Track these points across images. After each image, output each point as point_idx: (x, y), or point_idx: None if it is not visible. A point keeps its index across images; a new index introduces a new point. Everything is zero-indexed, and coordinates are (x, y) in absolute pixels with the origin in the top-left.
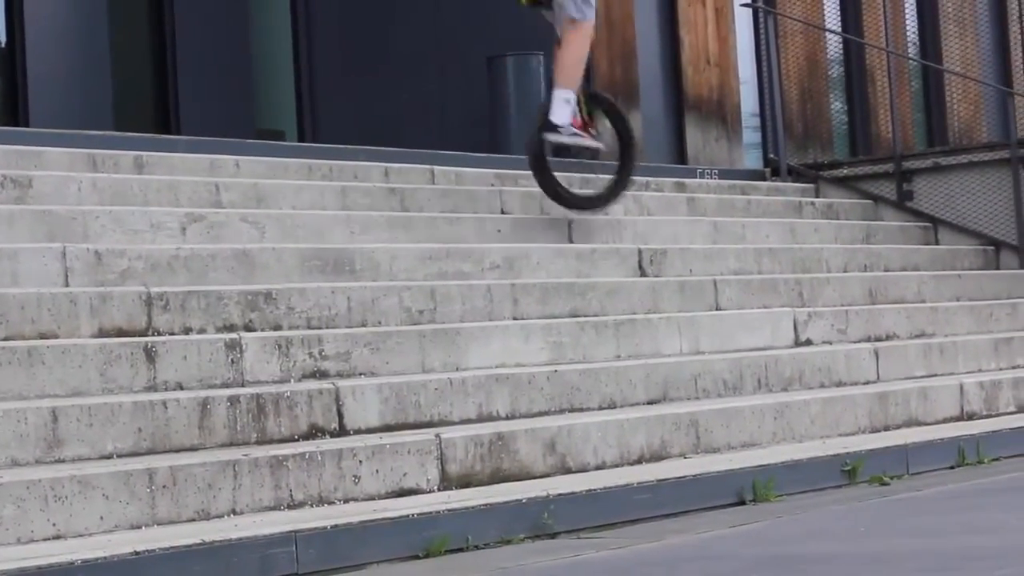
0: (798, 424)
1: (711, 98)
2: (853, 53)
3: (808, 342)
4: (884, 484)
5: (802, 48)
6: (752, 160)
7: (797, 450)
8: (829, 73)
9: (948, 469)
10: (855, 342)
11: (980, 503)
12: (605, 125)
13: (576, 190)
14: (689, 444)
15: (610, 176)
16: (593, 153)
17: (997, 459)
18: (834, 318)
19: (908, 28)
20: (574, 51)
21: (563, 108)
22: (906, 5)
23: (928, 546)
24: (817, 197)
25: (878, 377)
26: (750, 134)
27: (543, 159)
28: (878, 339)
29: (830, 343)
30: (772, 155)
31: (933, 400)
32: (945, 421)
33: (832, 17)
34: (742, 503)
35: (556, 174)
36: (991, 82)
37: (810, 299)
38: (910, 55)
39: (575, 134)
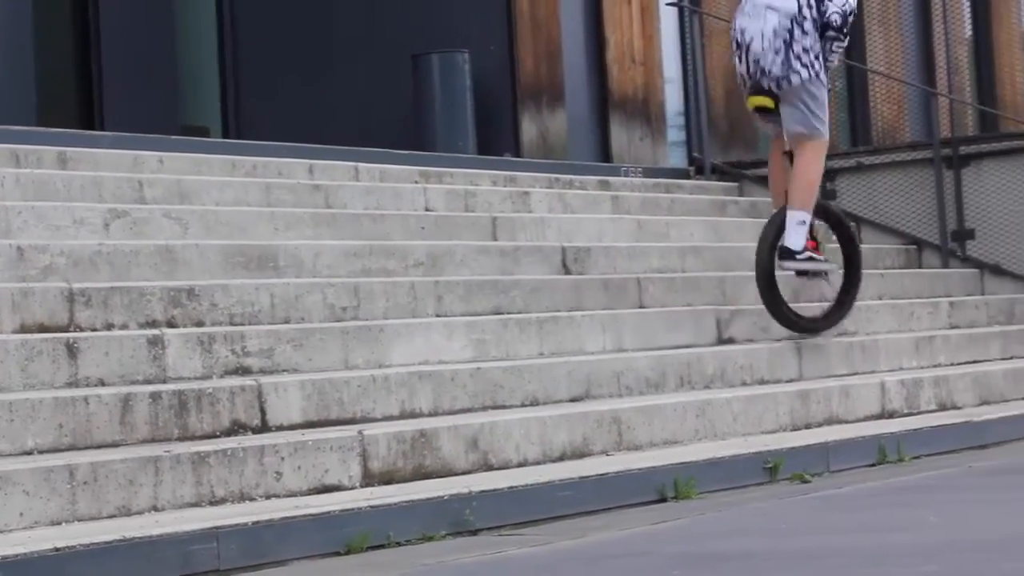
0: (720, 422)
1: (636, 97)
2: None
3: (731, 340)
4: (805, 482)
5: (727, 47)
6: (676, 159)
7: (719, 447)
8: None
9: (869, 467)
10: (777, 340)
11: (900, 501)
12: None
13: (805, 313)
14: (611, 441)
15: (835, 294)
16: (825, 276)
17: (918, 457)
18: (757, 316)
19: None
20: (809, 170)
21: (799, 232)
22: None
23: (849, 543)
24: (741, 196)
25: (800, 375)
26: (675, 133)
27: (774, 281)
28: (800, 337)
29: (753, 341)
30: (696, 154)
31: (854, 398)
32: (866, 419)
33: None
34: (664, 500)
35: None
36: (915, 82)
37: (733, 297)
38: None
39: (810, 258)
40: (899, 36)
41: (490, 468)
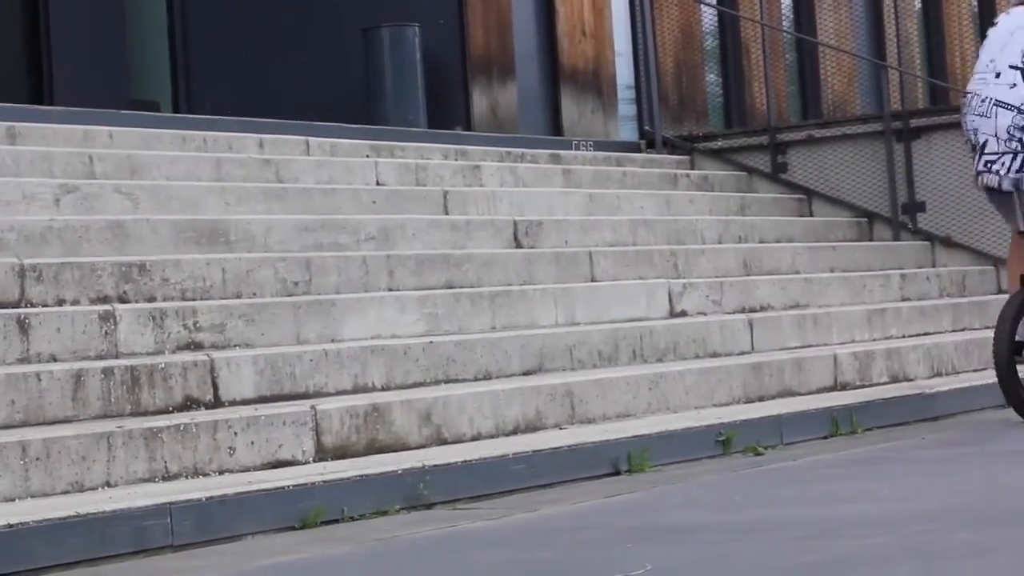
0: (673, 395)
1: (587, 70)
2: (728, 25)
3: (683, 313)
4: (758, 454)
5: (677, 20)
6: (627, 132)
7: (672, 420)
8: (704, 45)
9: (822, 439)
10: (729, 313)
11: (853, 473)
12: None
13: None
14: (564, 415)
15: None
16: None
17: (870, 429)
18: (709, 289)
19: (783, 1)
20: None
21: None
22: None
23: (801, 515)
24: (692, 169)
25: (752, 348)
26: (626, 106)
27: (1014, 366)
28: (752, 310)
29: (705, 314)
30: (647, 127)
31: (807, 370)
32: (819, 391)
33: None
34: (617, 473)
35: None
36: (865, 55)
37: (685, 270)
38: (784, 28)
39: None
40: (849, 9)
41: (444, 442)
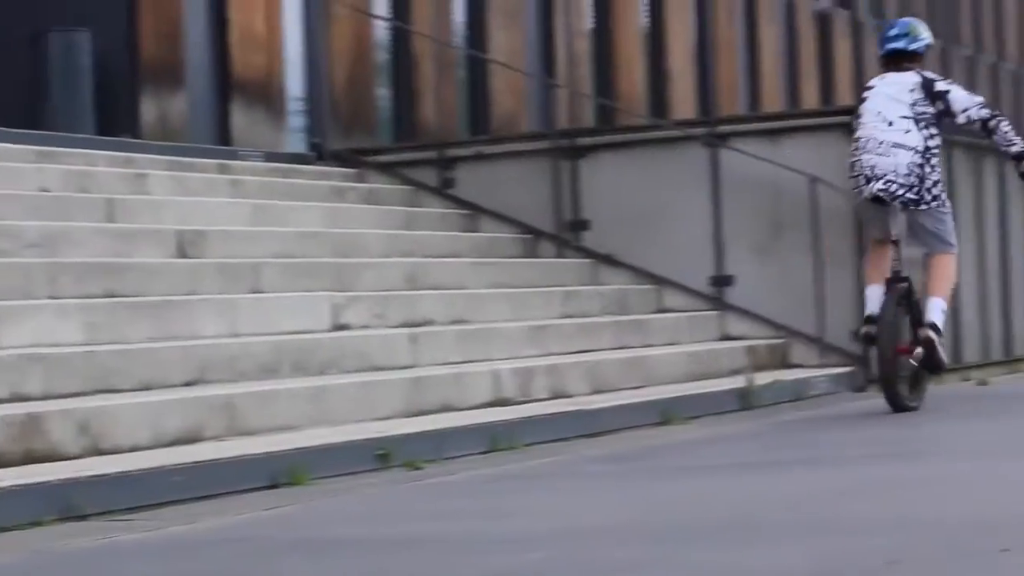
0: (334, 408)
1: (258, 80)
2: (401, 40)
3: (346, 326)
4: (417, 468)
5: (350, 33)
6: (297, 144)
7: (333, 434)
8: (376, 59)
9: (482, 454)
10: (393, 327)
11: (511, 488)
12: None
13: (908, 400)
14: (224, 427)
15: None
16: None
17: (531, 445)
18: (372, 303)
19: (455, 16)
20: (948, 272)
21: (943, 317)
22: None
23: (456, 530)
24: (360, 182)
25: (414, 362)
26: (297, 118)
27: (897, 357)
28: (415, 324)
29: (368, 328)
30: (317, 139)
31: (468, 385)
32: (480, 407)
33: (382, 2)
34: (276, 486)
35: None
36: (535, 73)
37: (350, 284)
38: (456, 44)
39: (942, 344)
40: (520, 27)
41: (101, 453)
